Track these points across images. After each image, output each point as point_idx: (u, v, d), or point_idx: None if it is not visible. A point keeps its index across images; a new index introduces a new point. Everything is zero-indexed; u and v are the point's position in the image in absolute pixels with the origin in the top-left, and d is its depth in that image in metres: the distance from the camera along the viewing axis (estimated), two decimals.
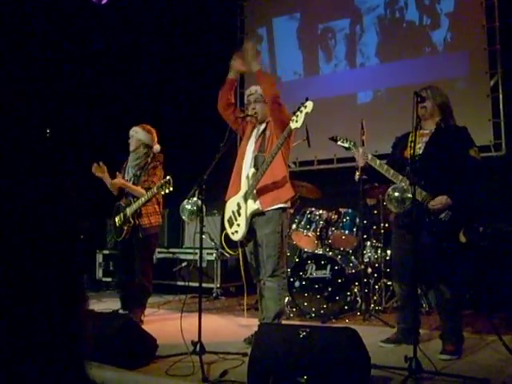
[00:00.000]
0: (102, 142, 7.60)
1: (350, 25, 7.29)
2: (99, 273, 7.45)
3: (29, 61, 7.00)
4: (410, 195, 3.26)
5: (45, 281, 0.59)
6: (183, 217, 3.84)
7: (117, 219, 4.95)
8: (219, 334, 4.37)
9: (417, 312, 3.98)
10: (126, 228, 4.84)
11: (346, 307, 4.93)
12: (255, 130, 4.08)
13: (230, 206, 4.00)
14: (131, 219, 4.81)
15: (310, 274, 5.05)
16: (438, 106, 3.72)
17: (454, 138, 3.63)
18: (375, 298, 5.18)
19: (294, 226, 5.35)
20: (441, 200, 3.51)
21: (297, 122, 3.57)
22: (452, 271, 3.66)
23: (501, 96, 6.16)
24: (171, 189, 4.58)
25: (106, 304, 5.87)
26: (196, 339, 3.36)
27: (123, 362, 3.23)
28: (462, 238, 3.46)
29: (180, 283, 6.66)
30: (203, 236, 3.66)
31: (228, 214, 4.02)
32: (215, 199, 6.32)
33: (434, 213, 3.54)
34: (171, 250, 7.08)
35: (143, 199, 4.74)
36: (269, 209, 3.82)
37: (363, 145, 4.34)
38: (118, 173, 4.94)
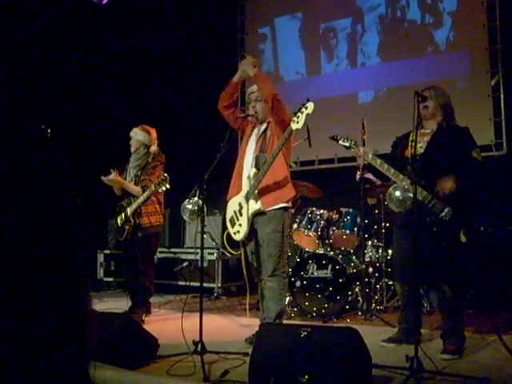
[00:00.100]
0: (102, 143, 7.60)
1: (352, 24, 7.28)
2: (100, 272, 7.46)
3: (29, 61, 7.00)
4: (411, 195, 3.26)
5: (48, 281, 0.59)
6: (184, 216, 3.84)
7: (119, 219, 4.96)
8: (220, 333, 4.37)
9: (418, 312, 3.98)
10: (127, 228, 4.86)
11: (347, 307, 4.93)
12: (256, 130, 4.08)
13: (232, 206, 4.01)
14: (131, 219, 4.83)
15: (311, 273, 5.05)
16: (440, 106, 3.72)
17: (456, 138, 3.63)
18: (376, 297, 5.17)
19: (294, 226, 5.35)
20: (448, 182, 3.50)
21: (297, 122, 3.58)
22: (453, 271, 3.66)
23: (502, 95, 6.15)
24: (168, 186, 4.62)
25: (107, 304, 5.88)
26: (197, 339, 3.36)
27: (124, 362, 3.23)
28: (463, 238, 3.46)
29: (181, 283, 6.66)
30: (204, 236, 3.66)
31: (230, 213, 4.02)
32: (216, 199, 6.33)
33: (435, 212, 3.54)
34: (172, 249, 7.09)
35: (141, 198, 4.77)
36: (270, 208, 3.83)
37: (364, 144, 4.34)
38: (112, 169, 4.93)
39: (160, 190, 4.66)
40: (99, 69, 7.98)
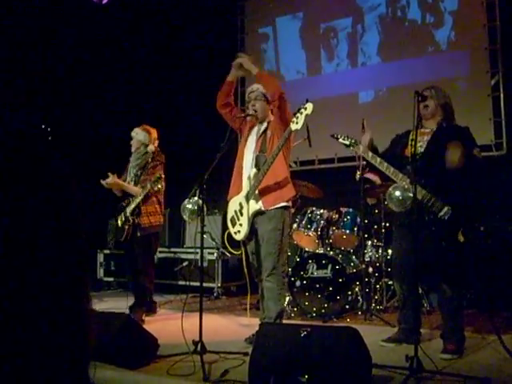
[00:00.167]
0: (102, 143, 7.60)
1: (352, 24, 7.28)
2: (100, 272, 7.46)
3: (28, 61, 7.00)
4: (410, 194, 3.26)
5: (48, 281, 0.59)
6: (184, 216, 3.85)
7: (119, 220, 4.97)
8: (220, 333, 4.37)
9: (418, 311, 3.98)
10: (126, 228, 4.86)
11: (346, 307, 4.93)
12: (255, 130, 4.07)
13: (233, 206, 4.01)
14: (130, 218, 4.84)
15: (311, 273, 5.05)
16: (440, 105, 3.73)
17: (456, 137, 3.64)
18: (376, 297, 5.18)
19: (294, 226, 5.34)
20: (456, 153, 3.52)
21: (297, 123, 3.58)
22: (453, 270, 3.66)
23: (502, 95, 6.16)
24: (163, 183, 4.69)
25: (107, 304, 5.88)
26: (197, 339, 3.36)
27: (124, 362, 3.24)
28: (461, 238, 3.46)
29: (181, 283, 6.66)
30: (204, 235, 3.66)
31: (230, 213, 4.03)
32: (216, 199, 6.33)
33: (434, 212, 3.54)
34: (172, 249, 7.09)
35: (139, 197, 4.78)
36: (271, 208, 3.83)
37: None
38: (109, 173, 4.95)
39: (156, 189, 4.69)
40: (99, 68, 7.97)
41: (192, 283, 6.01)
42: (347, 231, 5.34)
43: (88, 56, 7.86)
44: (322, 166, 7.15)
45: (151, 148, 4.99)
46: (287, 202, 3.90)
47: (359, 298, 5.08)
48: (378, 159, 3.77)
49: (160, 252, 6.82)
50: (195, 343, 3.35)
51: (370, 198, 5.57)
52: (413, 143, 3.42)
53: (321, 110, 6.69)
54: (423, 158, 3.63)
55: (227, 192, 4.11)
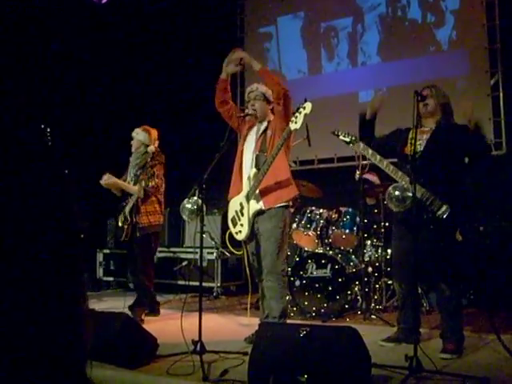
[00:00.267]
0: (105, 144, 7.61)
1: (353, 23, 7.28)
2: (99, 272, 7.46)
3: (28, 61, 6.99)
4: (410, 194, 3.26)
5: (45, 281, 0.59)
6: (183, 216, 3.84)
7: (119, 219, 4.97)
8: (220, 333, 4.37)
9: (417, 311, 3.99)
10: (126, 227, 4.87)
11: (346, 306, 4.93)
12: (255, 129, 4.07)
13: (233, 206, 4.01)
14: (129, 217, 4.85)
15: (311, 273, 5.05)
16: (440, 105, 3.74)
17: (456, 135, 3.64)
18: (376, 297, 5.18)
19: (294, 225, 5.35)
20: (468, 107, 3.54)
21: (296, 123, 3.58)
22: (452, 270, 3.67)
23: (501, 95, 6.16)
24: (156, 180, 4.73)
25: (107, 303, 5.88)
26: (196, 338, 3.36)
27: (124, 362, 3.24)
28: (459, 237, 3.47)
29: (180, 282, 6.66)
30: (203, 235, 3.66)
31: (231, 213, 4.02)
32: (216, 198, 6.33)
33: (433, 210, 3.54)
34: (172, 249, 7.09)
35: (135, 196, 4.82)
36: (271, 207, 3.82)
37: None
38: (107, 173, 4.96)
39: (150, 185, 4.73)
40: (99, 68, 7.97)
41: (191, 283, 6.01)
42: (347, 231, 5.34)
43: (88, 56, 7.85)
44: (322, 166, 7.14)
45: (151, 148, 5.00)
46: (288, 201, 3.89)
47: (359, 297, 5.08)
48: (378, 157, 3.77)
49: (159, 252, 6.82)
50: (195, 343, 3.35)
51: (370, 198, 5.58)
52: (412, 141, 3.42)
53: (321, 109, 6.69)
54: (422, 156, 3.63)
55: (227, 192, 4.11)
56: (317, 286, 4.99)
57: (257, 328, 3.18)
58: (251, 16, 8.03)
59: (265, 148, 3.90)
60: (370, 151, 3.81)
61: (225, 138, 3.77)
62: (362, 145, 3.91)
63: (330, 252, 5.19)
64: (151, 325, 4.40)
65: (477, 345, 3.79)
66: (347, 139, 3.96)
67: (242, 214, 3.91)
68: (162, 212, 5.07)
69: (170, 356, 3.41)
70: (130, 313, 4.54)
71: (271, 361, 2.80)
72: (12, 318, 0.56)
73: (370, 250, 5.37)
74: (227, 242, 4.18)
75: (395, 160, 3.90)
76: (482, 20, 6.29)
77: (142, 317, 4.84)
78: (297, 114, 3.58)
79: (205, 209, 3.69)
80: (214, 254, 6.58)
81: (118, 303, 5.34)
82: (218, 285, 6.56)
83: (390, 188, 3.45)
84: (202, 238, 3.64)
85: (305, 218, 5.42)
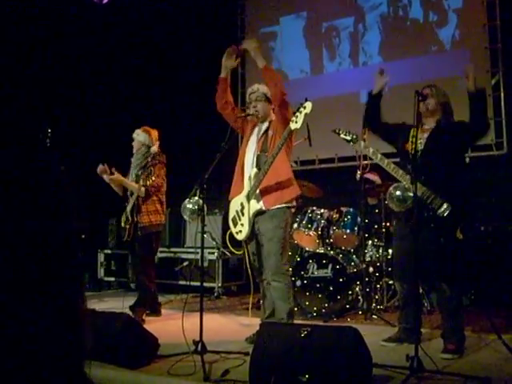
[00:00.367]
0: (104, 144, 7.61)
1: (354, 23, 7.27)
2: (101, 272, 7.46)
3: (29, 62, 7.00)
4: (411, 194, 3.26)
5: (44, 281, 0.59)
6: (184, 216, 3.84)
7: (122, 220, 4.99)
8: (221, 333, 4.37)
9: (418, 311, 3.98)
10: (128, 227, 4.88)
11: (347, 306, 4.93)
12: (256, 129, 4.07)
13: (234, 206, 4.00)
14: (130, 217, 4.86)
15: (312, 273, 5.05)
16: (440, 104, 3.74)
17: (455, 131, 3.65)
18: (377, 297, 5.17)
19: (295, 225, 5.35)
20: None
21: (296, 122, 3.57)
22: (452, 269, 3.66)
23: (502, 95, 6.15)
24: (153, 178, 4.74)
25: (108, 303, 5.88)
26: (197, 338, 3.37)
27: (125, 362, 3.24)
28: (459, 235, 3.46)
29: (181, 282, 6.66)
30: (204, 235, 3.66)
31: (232, 213, 4.02)
32: (216, 198, 6.34)
33: (433, 208, 3.54)
34: (173, 249, 7.09)
35: (135, 194, 4.84)
36: (271, 208, 3.82)
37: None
38: (113, 169, 4.98)
39: (148, 183, 4.75)
40: (100, 68, 7.98)
41: (192, 283, 6.01)
42: (348, 231, 5.34)
43: (88, 56, 7.86)
44: (323, 166, 7.14)
45: (154, 149, 5.02)
46: (289, 201, 3.88)
47: (360, 297, 5.08)
48: (379, 155, 3.77)
49: (160, 252, 6.82)
50: (196, 343, 3.35)
51: (371, 197, 5.57)
52: (414, 140, 3.42)
53: (322, 109, 6.69)
54: (423, 154, 3.63)
55: (228, 192, 4.10)
56: (318, 286, 4.99)
57: (258, 328, 3.17)
58: (253, 16, 8.02)
59: (266, 148, 3.90)
60: (371, 150, 3.82)
61: (226, 138, 3.77)
62: (362, 143, 3.91)
63: (331, 252, 5.18)
64: (152, 325, 4.40)
65: (478, 345, 3.79)
66: (348, 138, 3.97)
67: (243, 214, 3.90)
68: (164, 212, 5.07)
69: (170, 356, 3.41)
70: (130, 313, 4.54)
71: (272, 361, 2.80)
72: (11, 318, 0.56)
73: (371, 250, 5.37)
74: (227, 241, 4.17)
75: (397, 160, 3.90)
76: (482, 20, 6.28)
77: (143, 317, 4.85)
78: (297, 114, 3.58)
79: (206, 209, 3.69)
80: (215, 254, 6.58)
81: (119, 303, 5.33)
82: (219, 285, 6.56)
83: (391, 188, 3.45)
84: (202, 238, 3.64)
85: (306, 218, 5.42)
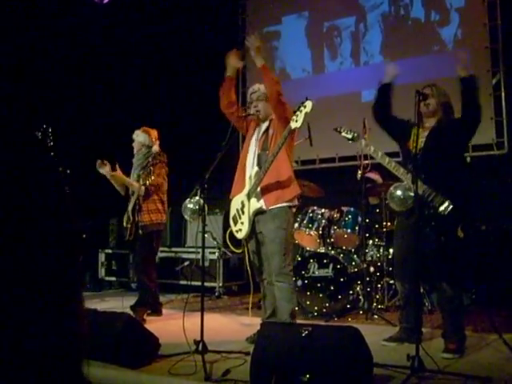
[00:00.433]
0: (105, 144, 7.61)
1: (356, 23, 7.27)
2: (101, 272, 7.46)
3: (30, 62, 7.00)
4: (412, 194, 3.26)
5: (41, 281, 0.59)
6: (185, 216, 3.85)
7: (124, 219, 5.00)
8: (221, 332, 4.38)
9: (419, 311, 3.98)
10: (129, 226, 4.89)
11: (348, 306, 4.93)
12: (257, 129, 4.07)
13: (235, 205, 4.01)
14: (131, 216, 4.87)
15: (313, 272, 5.05)
16: (441, 104, 3.74)
17: (454, 128, 3.65)
18: (377, 296, 5.18)
19: (296, 225, 5.34)
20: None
21: (297, 121, 3.57)
22: (452, 269, 3.66)
23: (503, 94, 6.15)
24: (153, 177, 4.77)
25: (109, 303, 5.89)
26: (198, 338, 3.37)
27: (126, 361, 3.24)
28: (460, 233, 3.46)
29: (182, 282, 6.66)
30: (205, 235, 3.66)
31: (233, 212, 4.02)
32: (217, 198, 6.33)
33: (434, 206, 3.54)
34: (173, 249, 7.09)
35: (136, 193, 4.87)
36: (272, 207, 3.81)
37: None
38: (117, 165, 5.00)
39: (148, 183, 4.76)
40: (100, 68, 7.98)
41: (193, 283, 6.01)
42: (348, 230, 5.34)
43: (88, 55, 7.86)
44: (323, 166, 7.14)
45: (155, 149, 5.03)
46: (291, 200, 3.88)
47: (360, 297, 5.08)
48: (380, 153, 3.78)
49: (161, 251, 6.83)
50: (196, 343, 3.36)
51: (373, 197, 5.57)
52: (415, 138, 3.42)
53: (323, 109, 6.69)
54: (423, 153, 3.63)
55: (228, 191, 4.11)
56: (319, 285, 4.99)
57: (259, 328, 3.18)
58: (254, 16, 8.01)
59: (266, 147, 3.90)
60: (372, 148, 3.82)
61: (226, 138, 3.77)
62: (363, 141, 3.91)
63: (332, 252, 5.19)
64: (153, 324, 4.40)
65: (479, 344, 3.79)
66: (349, 136, 3.97)
67: (243, 213, 3.90)
68: (165, 211, 5.08)
69: (171, 356, 3.42)
70: (131, 313, 4.54)
71: (273, 361, 2.80)
72: (8, 317, 0.57)
73: (372, 250, 5.37)
74: (227, 240, 4.17)
75: (397, 159, 3.90)
76: (483, 19, 6.27)
77: (144, 316, 4.85)
78: (298, 113, 3.58)
79: (206, 209, 3.69)
80: (216, 254, 6.58)
81: (120, 303, 5.34)
82: (220, 285, 6.56)
83: (392, 188, 3.45)
84: (203, 238, 3.64)
85: (307, 218, 5.42)
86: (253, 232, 3.91)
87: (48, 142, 5.22)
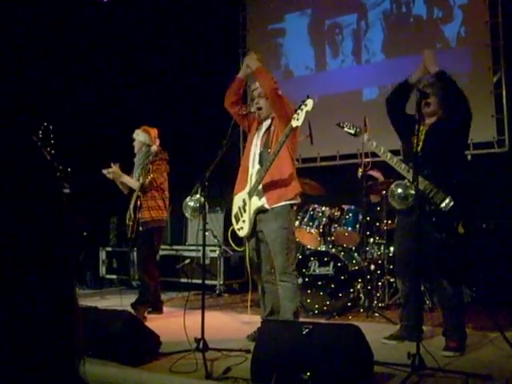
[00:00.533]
0: (106, 143, 7.62)
1: (357, 20, 7.25)
2: (102, 270, 7.47)
3: (30, 62, 7.00)
4: (412, 192, 3.26)
5: (37, 281, 0.59)
6: (186, 214, 3.84)
7: (127, 218, 5.00)
8: (222, 330, 4.38)
9: (420, 309, 3.98)
10: (131, 224, 4.90)
11: (349, 304, 4.93)
12: (260, 126, 4.07)
13: (237, 202, 4.01)
14: (132, 214, 4.88)
15: (313, 270, 5.05)
16: (442, 102, 3.73)
17: (450, 125, 3.66)
18: (378, 294, 5.18)
19: (296, 223, 5.34)
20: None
21: (298, 120, 3.58)
22: (453, 266, 3.66)
23: (504, 92, 6.13)
24: (151, 175, 4.80)
25: (110, 301, 5.89)
26: (199, 336, 3.37)
27: (127, 359, 3.25)
28: (461, 229, 3.46)
29: (183, 280, 6.66)
30: (206, 233, 3.66)
31: (235, 209, 4.03)
32: (218, 196, 6.34)
33: (435, 202, 3.53)
34: (174, 247, 7.09)
35: (136, 191, 4.89)
36: (275, 206, 3.81)
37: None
38: (112, 163, 5.01)
39: (146, 180, 4.78)
40: (100, 67, 7.97)
41: (194, 281, 6.02)
42: (349, 228, 5.34)
43: (89, 55, 7.86)
44: (324, 164, 7.13)
45: (154, 148, 5.04)
46: (293, 198, 3.87)
47: (361, 295, 5.08)
48: (382, 149, 3.78)
49: (162, 249, 6.82)
50: (197, 340, 3.36)
51: (374, 195, 5.56)
52: (417, 133, 3.41)
53: (325, 106, 6.68)
54: (424, 149, 3.62)
55: (229, 189, 4.11)
56: (319, 283, 4.99)
57: (259, 325, 3.18)
58: (255, 13, 7.99)
59: (268, 144, 3.90)
60: (375, 144, 3.82)
61: (227, 136, 3.77)
62: (366, 136, 3.91)
63: (333, 250, 5.18)
64: (154, 322, 4.41)
65: (479, 342, 3.79)
66: (352, 131, 3.97)
67: (245, 211, 3.91)
68: (166, 208, 5.08)
69: (172, 354, 3.42)
70: (132, 310, 4.55)
71: (274, 358, 2.81)
72: (2, 317, 0.57)
73: (373, 248, 5.37)
74: (229, 238, 4.17)
75: (398, 157, 3.90)
76: (484, 17, 6.26)
77: (145, 314, 4.86)
78: (299, 111, 3.58)
79: (207, 207, 3.69)
80: (217, 252, 6.58)
81: (122, 301, 5.35)
82: (221, 283, 6.56)
83: (393, 185, 3.44)
84: (204, 236, 3.64)
85: (307, 216, 5.42)
86: (254, 230, 3.91)
87: (49, 140, 5.23)
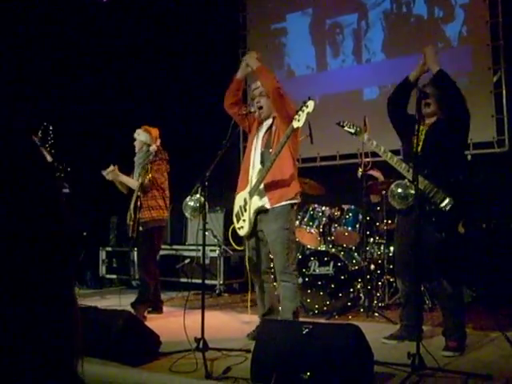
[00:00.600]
0: (107, 143, 7.62)
1: (358, 20, 7.25)
2: (102, 270, 7.47)
3: (30, 61, 7.00)
4: (412, 191, 3.26)
5: (35, 281, 0.59)
6: (186, 214, 3.85)
7: (127, 217, 5.01)
8: (222, 330, 4.38)
9: (420, 308, 3.98)
10: (131, 224, 4.90)
11: (348, 304, 4.93)
12: (262, 126, 4.07)
13: (238, 201, 4.02)
14: (133, 214, 4.88)
15: (313, 270, 5.05)
16: (442, 101, 3.73)
17: (448, 125, 3.66)
18: (378, 294, 5.18)
19: (296, 223, 5.34)
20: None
21: (299, 121, 3.59)
22: (453, 265, 3.66)
23: (504, 92, 6.13)
24: (150, 175, 4.80)
25: (110, 301, 5.89)
26: (199, 336, 3.37)
27: (127, 359, 3.24)
28: (461, 229, 3.46)
29: (183, 280, 6.66)
30: (206, 233, 3.66)
31: (236, 208, 4.04)
32: (218, 196, 6.34)
33: (435, 202, 3.53)
34: (174, 246, 7.09)
35: (136, 191, 4.89)
36: (276, 205, 3.81)
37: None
38: (112, 165, 5.01)
39: (147, 181, 4.79)
40: (100, 67, 7.97)
41: (194, 280, 6.02)
42: (349, 228, 5.34)
43: (89, 55, 7.86)
44: (324, 163, 7.13)
45: (153, 148, 5.04)
46: (293, 198, 3.87)
47: (361, 295, 5.08)
48: (382, 148, 3.78)
49: (162, 249, 6.81)
50: (197, 340, 3.36)
51: (374, 195, 5.56)
52: (418, 134, 3.42)
53: (325, 106, 6.68)
54: (424, 149, 3.62)
55: (229, 189, 4.11)
56: (319, 283, 4.99)
57: (258, 324, 3.17)
58: (256, 13, 7.98)
59: (270, 144, 3.90)
60: (375, 142, 3.82)
61: (227, 136, 3.77)
62: (366, 136, 3.91)
63: (333, 249, 5.18)
64: (154, 322, 4.41)
65: (479, 342, 3.79)
66: (352, 130, 3.97)
67: (245, 210, 3.91)
68: (167, 207, 5.08)
69: (172, 353, 3.42)
70: (132, 310, 4.55)
71: (274, 358, 2.81)
72: (2, 317, 0.57)
73: (373, 248, 5.37)
74: (230, 237, 4.18)
75: (398, 157, 3.90)
76: (485, 17, 6.25)
77: (145, 314, 4.86)
78: (300, 112, 3.59)
79: (207, 206, 3.69)
80: (217, 252, 6.58)
81: (120, 301, 5.35)
82: (221, 282, 6.56)
83: (393, 185, 3.44)
84: (204, 236, 3.64)
85: (307, 216, 5.42)
86: (254, 229, 3.91)
87: (49, 139, 5.22)
